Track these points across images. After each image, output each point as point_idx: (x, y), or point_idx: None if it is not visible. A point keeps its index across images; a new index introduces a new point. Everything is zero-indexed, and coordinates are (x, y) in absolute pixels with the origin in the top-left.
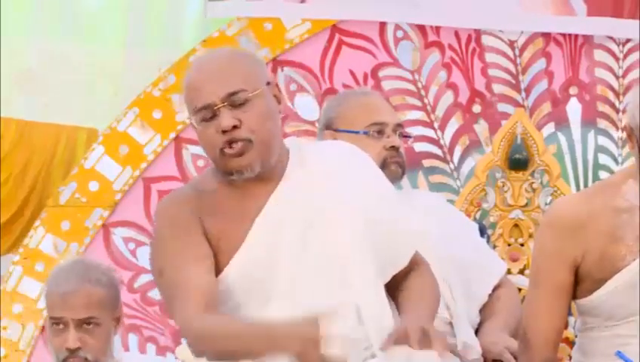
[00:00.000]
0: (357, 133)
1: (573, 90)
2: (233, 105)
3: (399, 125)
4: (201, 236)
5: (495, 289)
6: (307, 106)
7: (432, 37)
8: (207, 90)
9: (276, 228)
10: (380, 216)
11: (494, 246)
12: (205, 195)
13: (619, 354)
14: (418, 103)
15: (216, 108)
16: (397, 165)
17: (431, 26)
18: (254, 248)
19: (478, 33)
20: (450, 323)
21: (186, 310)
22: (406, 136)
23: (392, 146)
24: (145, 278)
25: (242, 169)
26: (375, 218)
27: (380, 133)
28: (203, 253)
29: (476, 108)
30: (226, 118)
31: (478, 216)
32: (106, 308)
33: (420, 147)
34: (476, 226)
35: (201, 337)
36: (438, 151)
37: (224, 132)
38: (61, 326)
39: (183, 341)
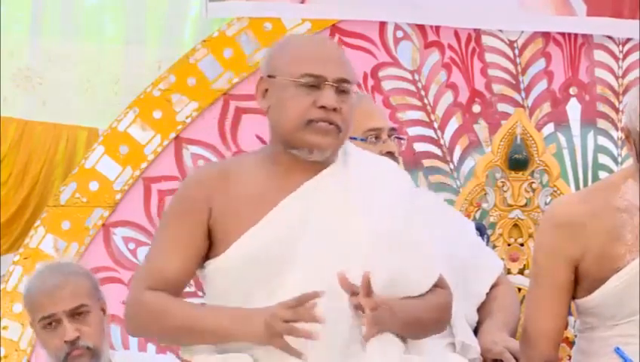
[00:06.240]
0: (355, 139)
1: (572, 90)
2: (339, 90)
3: (393, 129)
4: (198, 223)
5: (492, 287)
6: None
7: (431, 37)
8: (326, 65)
9: (298, 216)
10: (404, 238)
11: (494, 246)
12: (232, 174)
13: (617, 350)
14: (418, 103)
15: (326, 83)
16: None
17: (431, 26)
18: (269, 227)
19: (478, 33)
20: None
21: (138, 285)
22: (399, 138)
23: (388, 152)
24: None
25: (316, 147)
26: (398, 238)
27: (377, 138)
28: (192, 241)
29: (476, 108)
30: (332, 97)
31: (478, 216)
32: (92, 296)
33: (420, 147)
34: (473, 225)
35: (141, 310)
36: (438, 151)
37: (322, 108)
38: (53, 323)
39: None
